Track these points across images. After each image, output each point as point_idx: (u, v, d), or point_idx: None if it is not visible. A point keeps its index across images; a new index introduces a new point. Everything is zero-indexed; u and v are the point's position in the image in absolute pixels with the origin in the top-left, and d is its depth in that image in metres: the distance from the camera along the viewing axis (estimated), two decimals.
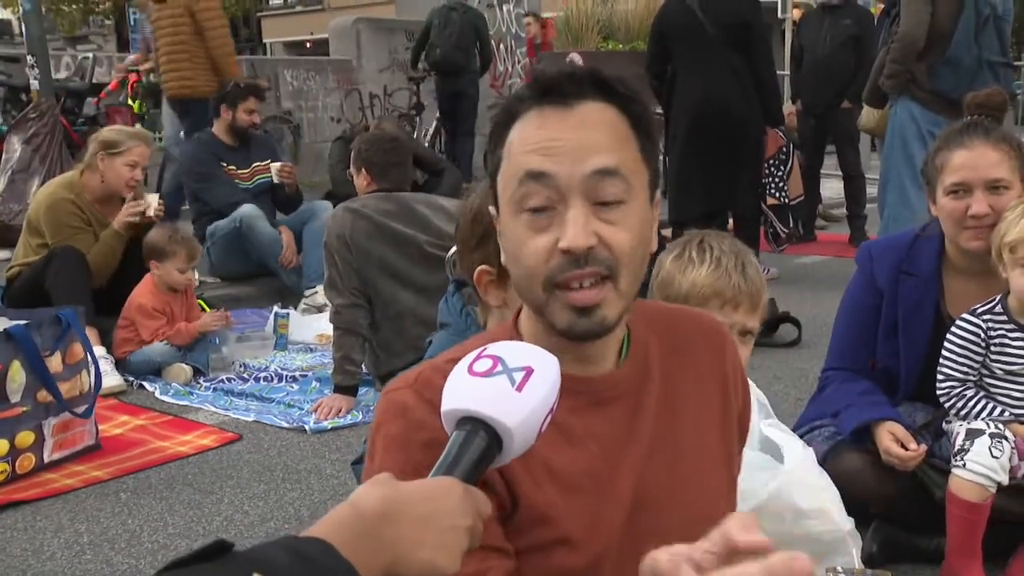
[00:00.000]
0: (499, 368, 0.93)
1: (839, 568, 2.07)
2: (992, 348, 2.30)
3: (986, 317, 2.30)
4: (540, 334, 1.13)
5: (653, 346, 1.21)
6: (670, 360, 1.21)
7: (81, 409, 3.18)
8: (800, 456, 2.20)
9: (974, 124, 2.43)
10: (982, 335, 2.30)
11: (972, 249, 2.34)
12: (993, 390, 2.33)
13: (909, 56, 4.59)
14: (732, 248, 1.75)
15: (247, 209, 5.23)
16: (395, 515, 0.83)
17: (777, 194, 5.78)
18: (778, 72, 5.98)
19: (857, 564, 2.13)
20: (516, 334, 1.18)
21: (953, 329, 2.34)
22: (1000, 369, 2.30)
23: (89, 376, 3.32)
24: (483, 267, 1.68)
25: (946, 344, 2.35)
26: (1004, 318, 2.29)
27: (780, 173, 5.74)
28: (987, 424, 2.24)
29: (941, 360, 2.35)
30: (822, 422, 2.55)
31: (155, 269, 4.19)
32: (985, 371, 2.33)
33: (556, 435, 1.09)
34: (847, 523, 2.18)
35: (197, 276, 5.32)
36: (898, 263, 2.50)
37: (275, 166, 5.42)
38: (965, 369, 2.32)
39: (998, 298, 2.31)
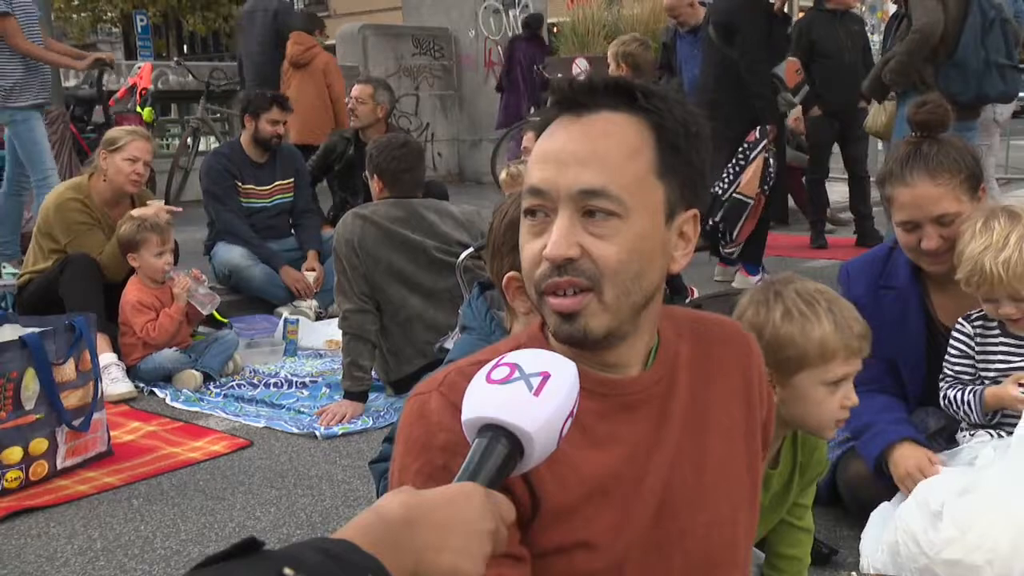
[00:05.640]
0: (516, 375, 0.95)
1: (854, 573, 2.07)
2: (979, 353, 2.31)
3: (977, 324, 2.32)
4: None
5: (682, 352, 1.21)
6: (698, 366, 1.21)
7: (78, 421, 3.14)
8: None
9: (914, 155, 2.33)
10: (972, 340, 2.32)
11: (935, 273, 2.38)
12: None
13: (923, 49, 4.56)
14: (825, 296, 1.69)
15: (236, 258, 5.07)
16: (417, 520, 0.84)
17: (717, 185, 5.27)
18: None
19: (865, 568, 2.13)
20: (543, 337, 1.18)
21: (953, 333, 2.36)
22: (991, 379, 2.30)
23: (98, 385, 3.33)
24: (512, 273, 1.67)
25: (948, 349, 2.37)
26: (995, 323, 2.30)
27: (736, 168, 5.27)
28: (990, 435, 2.26)
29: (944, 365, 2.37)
30: None
31: (133, 262, 4.17)
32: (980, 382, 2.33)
33: (582, 437, 1.10)
34: None
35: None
36: (875, 279, 2.51)
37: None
38: (958, 369, 2.34)
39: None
